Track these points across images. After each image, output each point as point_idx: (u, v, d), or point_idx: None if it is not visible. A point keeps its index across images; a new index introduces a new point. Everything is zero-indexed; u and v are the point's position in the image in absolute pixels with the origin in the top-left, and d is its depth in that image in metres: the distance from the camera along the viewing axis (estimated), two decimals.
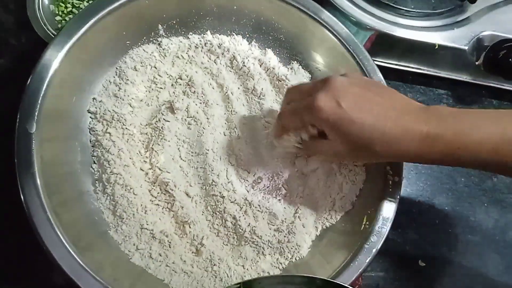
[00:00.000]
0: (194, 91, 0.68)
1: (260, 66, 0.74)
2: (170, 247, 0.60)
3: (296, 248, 0.64)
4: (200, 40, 0.72)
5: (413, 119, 0.50)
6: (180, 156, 0.65)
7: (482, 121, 0.49)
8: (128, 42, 0.69)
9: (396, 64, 0.83)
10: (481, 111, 0.53)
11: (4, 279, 0.63)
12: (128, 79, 0.67)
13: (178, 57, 0.71)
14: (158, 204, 0.63)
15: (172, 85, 0.70)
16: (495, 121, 0.49)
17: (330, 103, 0.51)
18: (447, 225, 0.76)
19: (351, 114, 0.50)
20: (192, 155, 0.66)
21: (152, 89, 0.69)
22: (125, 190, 0.61)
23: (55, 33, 0.71)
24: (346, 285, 0.52)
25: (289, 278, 0.54)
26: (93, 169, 0.63)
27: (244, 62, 0.72)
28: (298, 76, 0.76)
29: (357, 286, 0.64)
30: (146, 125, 0.66)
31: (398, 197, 0.63)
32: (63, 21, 0.75)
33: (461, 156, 0.49)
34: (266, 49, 0.76)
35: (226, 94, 0.70)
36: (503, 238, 0.77)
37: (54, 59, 0.58)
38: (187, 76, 0.70)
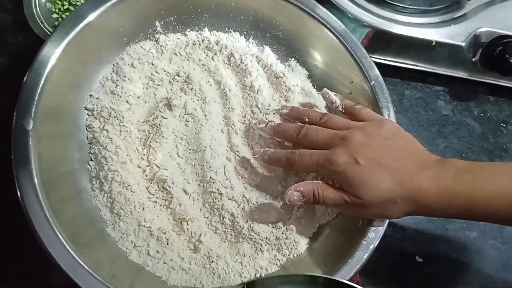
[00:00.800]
0: (192, 88, 0.68)
1: (258, 63, 0.74)
2: (168, 244, 0.60)
3: (294, 245, 0.64)
4: (198, 37, 0.72)
5: (431, 174, 0.52)
6: (177, 153, 0.65)
7: (498, 176, 0.50)
8: (125, 38, 0.69)
9: (393, 61, 0.84)
10: (496, 164, 0.56)
11: (2, 278, 0.63)
12: (125, 76, 0.67)
13: (175, 54, 0.71)
14: (155, 202, 0.63)
15: (169, 82, 0.70)
16: (511, 175, 0.50)
17: (347, 159, 0.53)
18: (445, 221, 0.77)
19: (368, 173, 0.52)
20: (189, 152, 0.65)
21: (150, 86, 0.69)
22: (123, 187, 0.61)
23: (52, 31, 0.71)
24: (347, 281, 0.52)
25: (291, 277, 0.55)
26: (90, 166, 0.63)
27: (241, 59, 0.72)
28: (295, 73, 0.76)
29: (355, 281, 0.64)
30: (144, 122, 0.66)
31: None
32: (59, 19, 0.75)
33: (479, 210, 0.50)
34: (264, 46, 0.76)
35: (224, 91, 0.69)
36: (500, 234, 0.77)
37: (51, 56, 0.58)
38: (184, 73, 0.69)
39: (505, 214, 0.50)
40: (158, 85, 0.69)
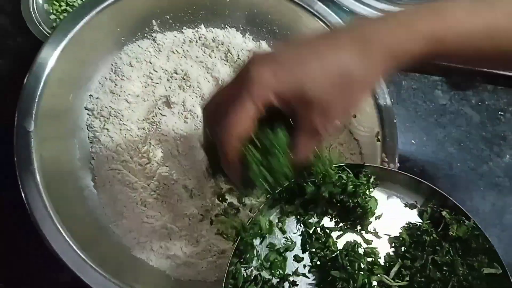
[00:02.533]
0: (190, 85, 0.69)
1: None
2: (170, 239, 0.61)
3: None
4: (194, 34, 0.73)
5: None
6: (177, 150, 0.66)
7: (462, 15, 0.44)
8: (123, 38, 0.70)
9: None
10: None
11: (8, 278, 0.64)
12: (124, 75, 0.68)
13: (173, 51, 0.72)
14: (157, 198, 0.63)
15: (167, 79, 0.70)
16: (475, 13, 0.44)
17: (269, 73, 0.41)
18: None
19: (304, 64, 0.41)
20: (189, 149, 0.66)
21: (148, 84, 0.69)
22: (125, 185, 0.62)
23: (50, 32, 0.72)
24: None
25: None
26: (92, 165, 0.64)
27: (238, 55, 0.72)
28: None
29: None
30: (143, 120, 0.67)
31: None
32: (57, 20, 0.76)
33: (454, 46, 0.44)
34: (260, 41, 0.76)
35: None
36: (500, 221, 0.78)
37: (50, 57, 0.59)
38: (182, 71, 0.70)
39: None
40: (157, 83, 0.70)
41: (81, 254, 0.53)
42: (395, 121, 0.66)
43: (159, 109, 0.67)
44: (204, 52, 0.73)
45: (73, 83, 0.64)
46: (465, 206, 0.77)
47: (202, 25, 0.74)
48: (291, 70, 0.41)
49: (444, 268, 0.50)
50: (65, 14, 0.76)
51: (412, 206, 0.55)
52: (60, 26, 0.61)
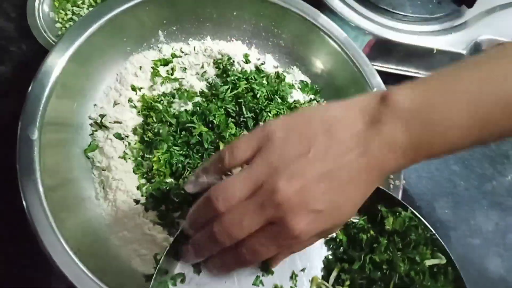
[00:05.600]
0: (193, 96, 0.69)
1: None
2: None
3: None
4: (200, 46, 0.73)
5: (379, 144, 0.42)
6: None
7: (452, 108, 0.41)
8: (128, 48, 0.69)
9: (395, 69, 0.84)
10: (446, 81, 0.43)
11: (6, 285, 0.63)
12: (128, 85, 0.67)
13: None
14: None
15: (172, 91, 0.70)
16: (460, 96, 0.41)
17: (305, 219, 0.41)
18: (448, 228, 0.77)
19: (334, 208, 0.42)
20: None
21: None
22: (127, 196, 0.61)
23: (55, 40, 0.72)
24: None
25: None
26: (95, 175, 0.63)
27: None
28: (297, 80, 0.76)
29: None
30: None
31: None
32: (63, 28, 0.76)
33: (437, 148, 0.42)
34: (266, 54, 0.76)
35: None
36: (503, 241, 0.77)
37: (55, 66, 0.59)
38: (187, 82, 0.70)
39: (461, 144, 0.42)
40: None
41: (80, 265, 0.52)
42: None
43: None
44: (209, 64, 0.73)
45: (78, 92, 0.64)
46: (468, 225, 0.77)
47: (208, 37, 0.74)
48: (329, 217, 0.42)
49: (384, 266, 0.48)
50: (71, 23, 0.76)
51: None
52: (66, 35, 0.61)
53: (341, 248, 0.51)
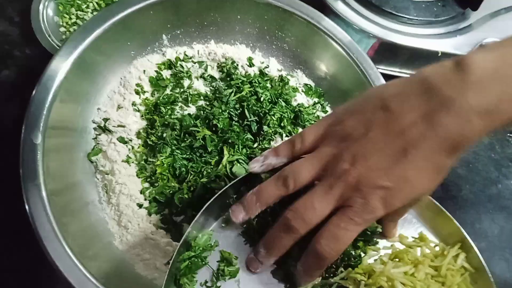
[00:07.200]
0: (197, 100, 0.69)
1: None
2: None
3: None
4: (204, 50, 0.73)
5: (454, 119, 0.40)
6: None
7: None
8: (132, 52, 0.69)
9: (399, 72, 0.84)
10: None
11: None
12: (132, 89, 0.67)
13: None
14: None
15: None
16: None
17: (379, 202, 0.41)
18: None
19: (402, 188, 0.41)
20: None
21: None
22: (130, 200, 0.61)
23: (60, 45, 0.72)
24: None
25: None
26: (98, 179, 0.63)
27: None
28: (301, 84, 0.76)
29: None
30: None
31: None
32: (67, 32, 0.76)
33: None
34: (270, 57, 0.76)
35: None
36: (509, 245, 0.76)
37: (59, 70, 0.59)
38: (191, 86, 0.70)
39: None
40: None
41: (83, 270, 0.52)
42: None
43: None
44: (213, 67, 0.73)
45: (82, 96, 0.64)
46: (474, 229, 0.77)
47: (212, 41, 0.74)
48: (400, 192, 0.41)
49: None
50: (75, 27, 0.76)
51: None
52: (70, 39, 0.61)
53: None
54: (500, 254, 0.76)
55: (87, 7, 0.78)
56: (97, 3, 0.79)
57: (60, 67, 0.59)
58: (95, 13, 0.78)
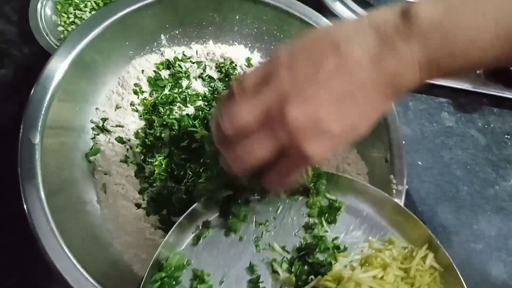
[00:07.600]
0: (195, 100, 0.69)
1: None
2: None
3: None
4: (203, 50, 0.73)
5: (396, 61, 0.40)
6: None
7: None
8: (130, 52, 0.69)
9: None
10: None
11: None
12: (130, 89, 0.67)
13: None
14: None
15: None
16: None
17: (321, 143, 0.40)
18: (450, 233, 0.76)
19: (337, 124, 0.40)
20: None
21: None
22: (128, 200, 0.61)
23: (58, 44, 0.72)
24: None
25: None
26: (96, 179, 0.63)
27: (245, 71, 0.72)
28: None
29: None
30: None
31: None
32: (65, 32, 0.76)
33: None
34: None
35: None
36: (506, 246, 0.77)
37: (57, 70, 0.58)
38: (189, 86, 0.70)
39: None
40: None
41: (81, 270, 0.52)
42: (403, 142, 0.66)
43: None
44: (211, 68, 0.73)
45: (80, 96, 0.63)
46: (471, 230, 0.77)
47: (211, 41, 0.74)
48: (345, 137, 0.41)
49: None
50: (73, 26, 0.76)
51: None
52: (68, 38, 0.61)
53: None
54: (497, 255, 0.76)
55: (85, 6, 0.78)
56: (95, 2, 0.79)
57: (58, 67, 0.58)
58: (93, 12, 0.78)
